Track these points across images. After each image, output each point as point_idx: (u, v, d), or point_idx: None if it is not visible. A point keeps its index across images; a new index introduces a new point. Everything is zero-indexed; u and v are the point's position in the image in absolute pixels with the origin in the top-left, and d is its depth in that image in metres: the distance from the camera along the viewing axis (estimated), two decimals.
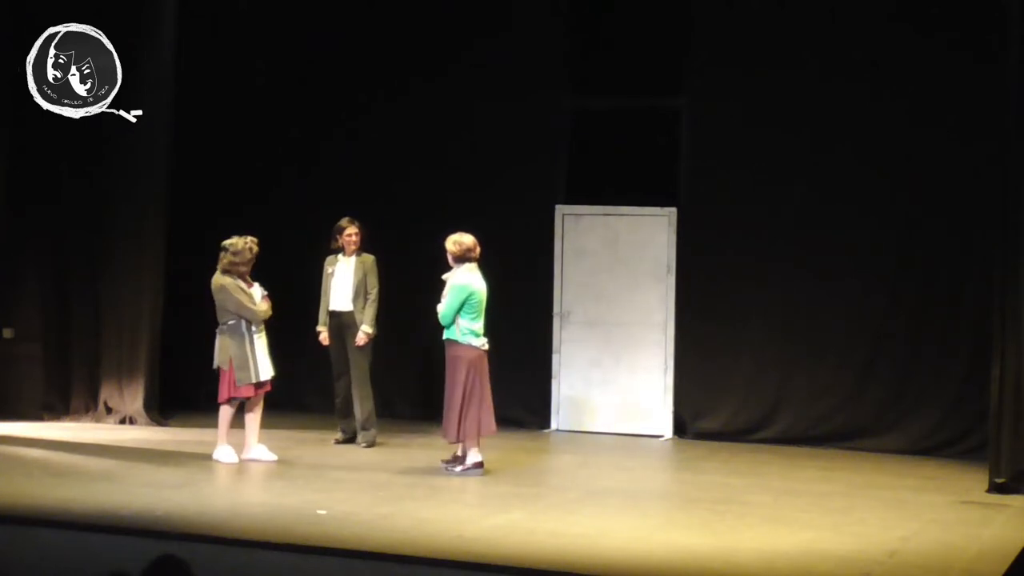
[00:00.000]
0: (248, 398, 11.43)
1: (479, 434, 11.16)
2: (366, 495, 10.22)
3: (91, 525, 8.87)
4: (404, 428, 13.25)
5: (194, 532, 8.68)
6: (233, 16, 14.57)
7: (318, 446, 12.44)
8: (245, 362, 11.33)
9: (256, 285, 11.54)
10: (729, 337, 13.36)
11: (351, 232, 12.37)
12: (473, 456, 11.18)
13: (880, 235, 12.93)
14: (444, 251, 11.27)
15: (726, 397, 13.42)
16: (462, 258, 11.17)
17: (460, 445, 11.23)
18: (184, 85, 13.78)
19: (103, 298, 13.75)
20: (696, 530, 9.29)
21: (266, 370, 11.44)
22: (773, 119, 13.20)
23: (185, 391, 14.22)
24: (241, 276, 11.46)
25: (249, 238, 11.51)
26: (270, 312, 11.52)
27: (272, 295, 11.65)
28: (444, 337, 11.17)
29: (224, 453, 11.45)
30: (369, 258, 12.39)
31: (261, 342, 11.43)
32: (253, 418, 11.51)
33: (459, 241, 11.20)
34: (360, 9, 14.39)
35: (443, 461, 11.33)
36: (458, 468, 11.19)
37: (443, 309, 11.09)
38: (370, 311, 12.30)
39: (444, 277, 11.26)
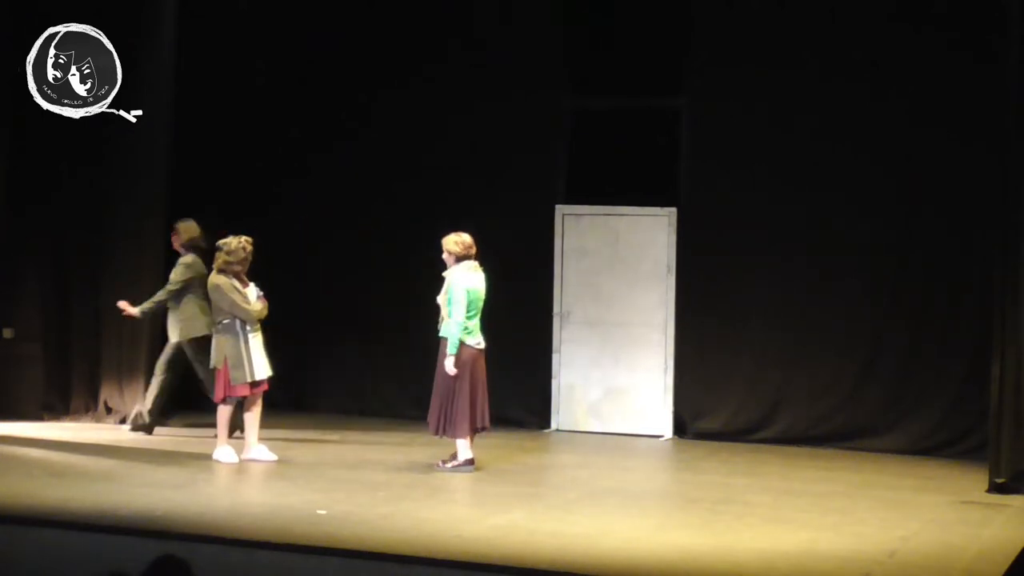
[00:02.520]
0: (244, 397, 11.43)
1: (473, 430, 11.19)
2: (366, 495, 10.22)
3: (91, 525, 8.87)
4: (404, 428, 13.24)
5: (194, 532, 8.68)
6: (233, 16, 14.55)
7: (318, 446, 12.44)
8: (240, 361, 11.34)
9: (252, 285, 11.54)
10: (729, 337, 13.36)
11: None
12: (464, 453, 11.20)
13: (880, 235, 12.92)
14: (443, 251, 11.27)
15: (726, 397, 13.42)
16: (463, 256, 11.20)
17: (455, 443, 11.27)
18: (184, 85, 13.77)
19: (103, 298, 13.74)
20: (696, 530, 9.29)
21: (261, 369, 11.44)
22: (773, 119, 13.19)
23: (185, 391, 14.21)
24: (236, 276, 11.46)
25: (244, 238, 11.52)
26: (265, 312, 11.51)
27: (269, 295, 11.64)
28: (440, 335, 11.19)
29: (224, 453, 11.45)
30: (183, 259, 12.66)
31: (256, 341, 11.43)
32: (252, 418, 11.52)
33: (460, 240, 11.23)
34: (360, 9, 14.38)
35: (443, 461, 11.33)
36: (449, 465, 11.21)
37: (454, 315, 11.05)
38: (150, 301, 12.65)
39: (445, 274, 11.28)
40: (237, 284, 11.45)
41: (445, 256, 11.27)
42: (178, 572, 5.41)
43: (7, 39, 12.82)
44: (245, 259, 11.49)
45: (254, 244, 11.57)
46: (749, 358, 13.32)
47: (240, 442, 11.55)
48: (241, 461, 11.43)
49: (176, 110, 13.66)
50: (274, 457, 11.53)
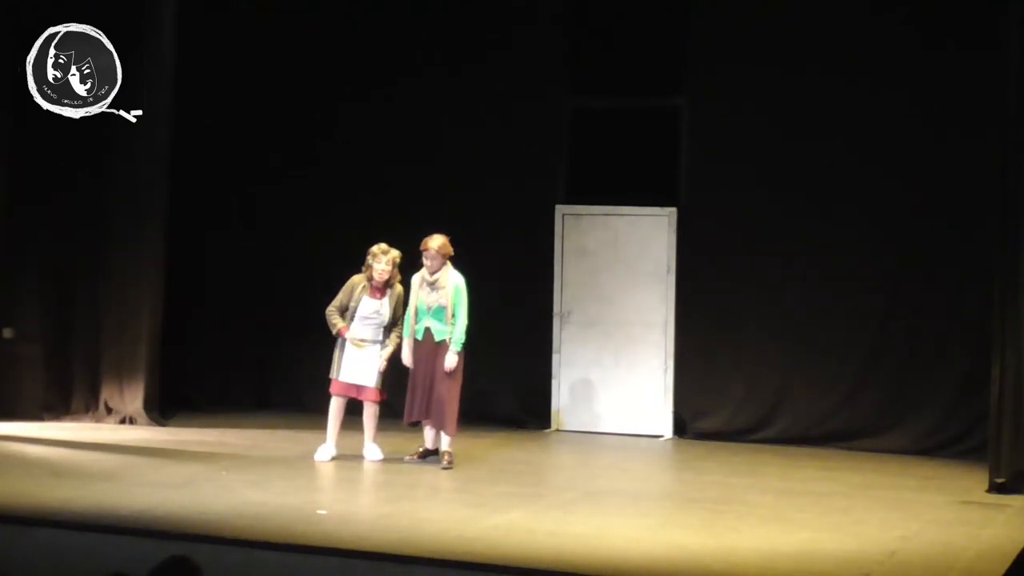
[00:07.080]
0: (345, 397, 11.51)
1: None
2: (366, 495, 10.22)
3: (91, 525, 8.87)
4: (404, 428, 13.21)
5: (194, 532, 8.68)
6: (232, 16, 14.55)
7: (317, 445, 12.42)
8: (335, 358, 11.46)
9: (374, 299, 11.41)
10: (729, 337, 13.36)
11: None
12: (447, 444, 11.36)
13: (880, 235, 12.92)
14: (435, 256, 11.25)
15: (726, 397, 13.42)
16: (448, 257, 11.24)
17: (432, 437, 11.44)
18: (184, 85, 13.77)
19: (103, 298, 13.74)
20: (696, 530, 9.29)
21: (348, 373, 11.42)
22: (773, 119, 13.20)
23: (185, 391, 14.23)
24: (372, 282, 11.43)
25: (381, 249, 11.45)
26: (332, 329, 11.44)
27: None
28: (439, 339, 11.19)
29: (320, 451, 11.53)
30: None
31: (359, 350, 11.40)
32: (365, 418, 11.57)
33: (447, 243, 11.24)
34: (360, 9, 14.38)
35: (444, 464, 11.34)
36: (447, 463, 11.29)
37: (463, 317, 11.13)
38: None
39: (433, 279, 11.24)
40: (359, 288, 11.42)
41: (432, 261, 11.22)
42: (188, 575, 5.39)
43: (7, 39, 12.82)
44: (379, 269, 11.39)
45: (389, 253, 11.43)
46: (749, 358, 13.32)
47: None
48: (332, 460, 11.47)
49: (176, 110, 13.67)
50: (380, 456, 11.54)
